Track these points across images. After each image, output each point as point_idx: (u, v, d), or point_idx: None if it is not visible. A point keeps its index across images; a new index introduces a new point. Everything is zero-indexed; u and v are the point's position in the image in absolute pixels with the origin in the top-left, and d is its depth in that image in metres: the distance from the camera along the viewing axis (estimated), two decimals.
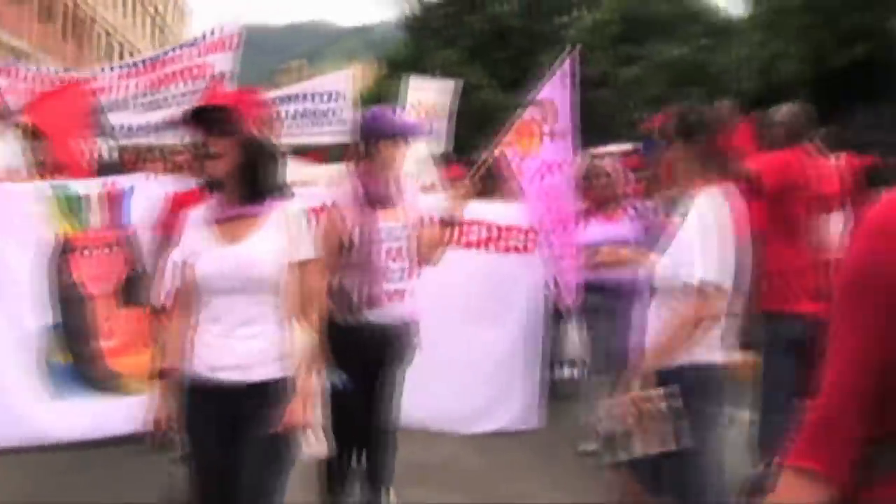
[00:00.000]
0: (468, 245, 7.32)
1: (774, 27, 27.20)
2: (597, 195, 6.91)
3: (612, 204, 6.91)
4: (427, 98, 14.07)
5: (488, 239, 7.34)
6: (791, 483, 1.68)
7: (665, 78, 33.62)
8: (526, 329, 7.39)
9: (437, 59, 29.88)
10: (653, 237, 6.88)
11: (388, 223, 4.83)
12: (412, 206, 5.07)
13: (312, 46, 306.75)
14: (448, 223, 5.04)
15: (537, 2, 33.48)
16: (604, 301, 6.81)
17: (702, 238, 3.71)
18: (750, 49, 28.44)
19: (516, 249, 7.19)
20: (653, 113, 13.02)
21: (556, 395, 7.70)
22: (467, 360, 7.11)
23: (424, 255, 5.07)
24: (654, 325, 3.89)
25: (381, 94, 33.92)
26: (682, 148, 3.92)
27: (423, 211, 5.17)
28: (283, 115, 11.34)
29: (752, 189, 5.15)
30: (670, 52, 34.63)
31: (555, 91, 6.45)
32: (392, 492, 5.26)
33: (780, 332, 5.26)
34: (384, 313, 4.80)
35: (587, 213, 6.82)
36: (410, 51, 34.14)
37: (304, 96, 11.32)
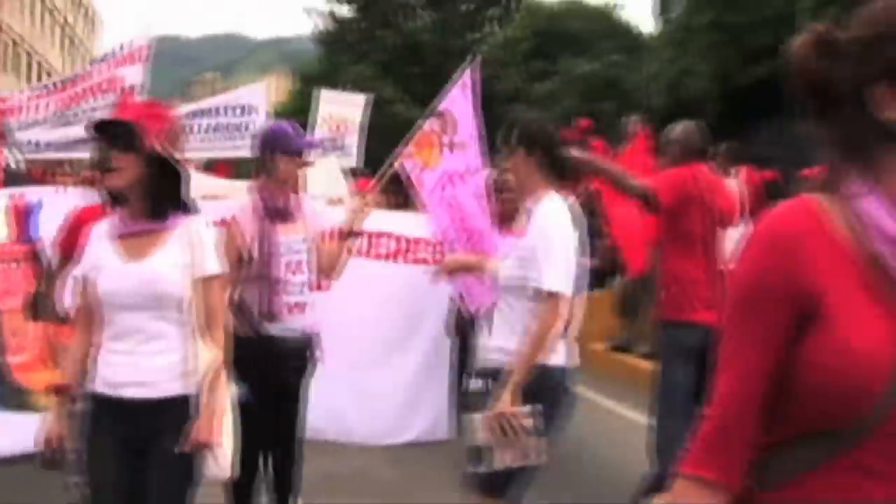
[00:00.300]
0: (377, 257, 7.38)
1: (683, 45, 27.74)
2: (502, 209, 7.01)
3: (518, 219, 7.02)
4: (338, 112, 14.08)
5: (397, 251, 7.40)
6: (686, 491, 1.71)
7: (577, 93, 34.23)
8: (436, 340, 7.47)
9: (351, 74, 29.96)
10: None
11: (288, 236, 4.88)
12: (313, 219, 5.12)
13: (227, 58, 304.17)
14: (347, 235, 5.08)
15: (450, 18, 33.66)
16: None
17: (546, 245, 3.91)
18: (659, 66, 28.95)
19: (425, 261, 7.26)
20: (564, 127, 13.21)
21: (467, 406, 7.79)
22: (378, 372, 7.16)
23: (325, 268, 5.12)
24: (498, 325, 4.10)
25: (295, 107, 33.80)
26: (524, 158, 4.12)
27: (324, 224, 5.23)
28: (196, 128, 11.26)
29: (650, 205, 5.33)
30: (583, 68, 35.20)
31: (455, 102, 6.51)
32: (301, 502, 5.30)
33: (677, 340, 5.43)
34: (285, 326, 4.85)
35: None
36: (324, 65, 34.17)
37: (218, 110, 11.25)
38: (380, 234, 7.30)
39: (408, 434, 7.35)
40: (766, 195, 10.27)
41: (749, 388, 1.65)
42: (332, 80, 28.58)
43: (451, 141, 6.35)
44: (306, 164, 5.25)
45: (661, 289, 5.53)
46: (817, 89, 1.70)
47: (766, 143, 25.99)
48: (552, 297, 3.88)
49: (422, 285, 7.22)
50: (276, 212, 4.87)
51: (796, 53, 1.73)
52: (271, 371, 4.78)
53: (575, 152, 5.80)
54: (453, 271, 5.23)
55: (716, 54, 26.09)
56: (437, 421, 7.47)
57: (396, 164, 6.24)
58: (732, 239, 8.13)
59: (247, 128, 10.66)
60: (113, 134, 3.62)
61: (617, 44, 38.51)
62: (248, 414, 4.48)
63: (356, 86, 23.03)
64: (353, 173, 11.31)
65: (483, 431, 3.96)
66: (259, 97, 11.43)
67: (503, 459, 3.95)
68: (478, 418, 4.00)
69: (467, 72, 6.59)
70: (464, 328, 8.20)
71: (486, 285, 6.62)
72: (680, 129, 5.93)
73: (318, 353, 5.15)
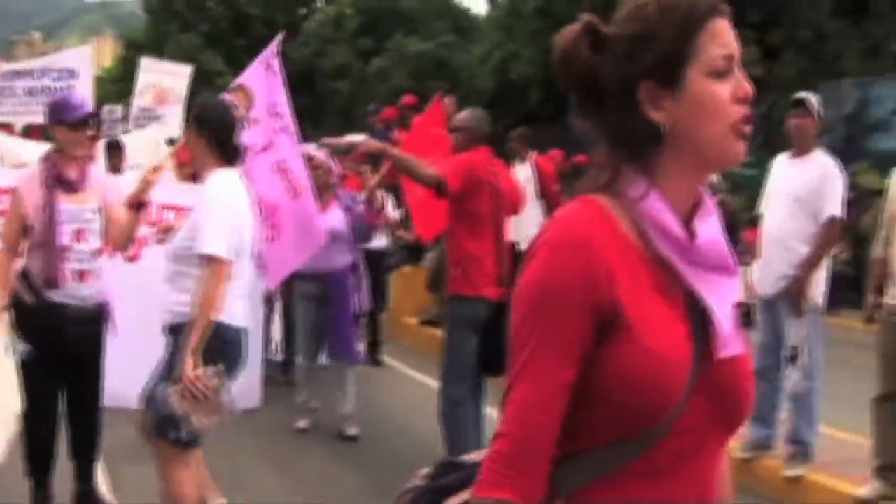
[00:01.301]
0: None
1: (510, 29, 28.36)
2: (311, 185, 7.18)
3: (326, 194, 7.22)
4: (161, 81, 13.97)
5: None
6: None
7: (407, 72, 34.55)
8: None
9: (178, 43, 29.37)
10: (360, 228, 7.30)
11: (73, 205, 4.88)
12: (105, 188, 5.13)
13: (53, 18, 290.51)
14: (135, 206, 4.99)
15: None
16: (316, 288, 7.19)
17: (206, 214, 4.25)
18: (487, 49, 29.51)
19: None
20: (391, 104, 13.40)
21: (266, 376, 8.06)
22: None
23: (116, 237, 5.11)
24: (167, 292, 4.40)
25: (121, 73, 32.86)
26: (195, 138, 4.46)
27: (119, 193, 5.19)
28: (15, 91, 11.00)
29: (440, 192, 5.67)
30: (416, 47, 35.52)
31: (252, 77, 6.61)
32: (101, 469, 5.41)
33: (465, 313, 5.81)
34: (68, 293, 4.85)
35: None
36: (151, 32, 33.39)
37: (39, 72, 11.02)
38: (165, 207, 7.34)
39: None
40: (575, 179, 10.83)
41: (548, 401, 1.56)
42: (160, 48, 28.04)
43: (247, 117, 6.42)
44: (91, 136, 5.30)
45: (451, 266, 5.89)
46: (585, 84, 1.64)
47: (587, 129, 26.96)
48: (212, 260, 4.18)
49: None
50: (61, 180, 4.88)
51: (563, 44, 1.66)
52: (56, 337, 4.83)
53: (371, 143, 6.14)
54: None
55: (541, 40, 26.78)
56: (248, 390, 7.65)
57: (186, 137, 6.34)
58: (528, 218, 8.68)
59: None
60: None
61: (450, 24, 38.91)
62: (35, 379, 4.62)
63: (182, 56, 22.65)
64: (172, 143, 11.24)
65: (176, 400, 4.17)
66: (83, 61, 11.22)
67: (202, 423, 4.22)
68: (169, 389, 4.20)
69: (271, 48, 6.72)
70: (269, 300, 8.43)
71: (287, 259, 6.77)
72: (464, 116, 6.21)
73: (108, 321, 5.18)
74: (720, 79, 1.59)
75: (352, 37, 34.69)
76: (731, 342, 1.63)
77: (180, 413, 4.17)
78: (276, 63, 6.69)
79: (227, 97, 6.38)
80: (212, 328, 4.18)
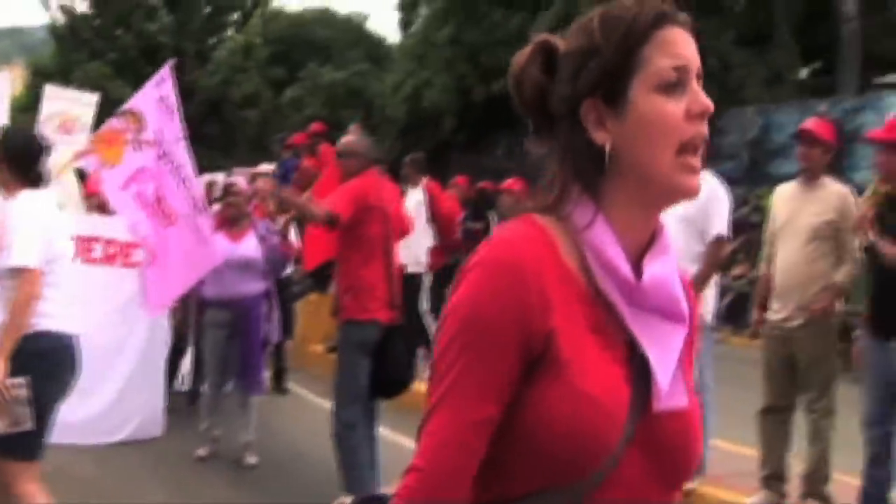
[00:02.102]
0: (92, 262, 7.41)
1: (423, 58, 28.53)
2: (225, 213, 7.21)
3: (242, 222, 7.23)
4: (67, 110, 13.76)
5: (114, 255, 7.45)
6: None
7: (321, 101, 34.55)
8: (151, 341, 7.57)
9: (86, 71, 29.00)
10: (274, 259, 7.32)
11: None
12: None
13: None
14: None
15: (188, 21, 33.16)
16: (226, 316, 7.17)
17: (11, 231, 4.40)
18: (400, 77, 29.65)
19: (140, 264, 7.36)
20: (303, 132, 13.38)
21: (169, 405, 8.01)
22: (91, 373, 7.19)
23: None
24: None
25: (30, 102, 32.26)
26: (1, 164, 4.59)
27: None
28: None
29: (332, 225, 5.73)
30: (331, 76, 35.49)
31: (143, 101, 6.63)
32: None
33: (356, 337, 5.87)
34: None
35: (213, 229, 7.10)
36: (59, 60, 32.93)
37: None
38: (91, 239, 7.33)
39: (121, 433, 7.45)
40: (481, 205, 10.98)
41: (464, 438, 1.41)
42: (68, 76, 27.61)
43: (138, 139, 6.43)
44: None
45: (343, 292, 5.94)
46: (536, 106, 1.55)
47: (501, 157, 27.27)
48: (19, 271, 4.36)
49: (133, 288, 7.32)
50: None
51: (517, 65, 1.58)
52: None
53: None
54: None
55: (453, 69, 27.05)
56: (150, 420, 7.62)
57: (72, 162, 6.31)
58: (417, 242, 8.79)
59: None
60: None
61: (364, 53, 39.04)
62: None
63: (90, 84, 22.37)
64: (80, 174, 11.12)
65: None
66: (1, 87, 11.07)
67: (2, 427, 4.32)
68: None
69: (162, 72, 6.74)
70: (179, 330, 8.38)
71: (170, 283, 6.73)
72: (355, 141, 6.26)
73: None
74: (669, 94, 1.45)
75: (262, 66, 34.55)
76: (674, 395, 1.49)
77: None
78: (167, 88, 6.70)
79: (115, 121, 6.37)
80: (29, 337, 4.33)
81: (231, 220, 7.22)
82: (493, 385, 1.41)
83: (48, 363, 4.46)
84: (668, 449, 1.49)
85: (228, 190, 7.39)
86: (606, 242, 1.46)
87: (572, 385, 1.40)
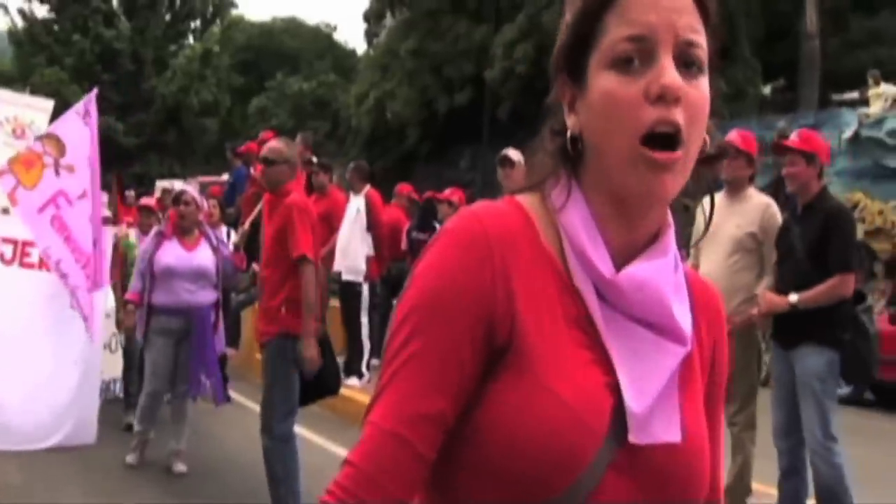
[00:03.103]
0: (28, 266, 7.36)
1: (387, 69, 28.65)
2: (178, 221, 7.17)
3: (194, 231, 7.19)
4: (20, 115, 13.68)
5: (13, 256, 7.41)
6: None
7: (287, 110, 34.57)
8: (83, 346, 7.51)
9: (43, 76, 28.88)
10: (227, 269, 7.28)
11: None
12: None
13: None
14: None
15: (147, 27, 33.17)
16: (178, 323, 7.11)
17: None
18: (364, 88, 29.74)
19: (37, 266, 7.35)
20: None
21: None
22: (21, 379, 7.14)
23: None
24: None
25: None
26: None
27: None
28: None
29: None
30: (299, 86, 35.52)
31: (66, 127, 6.65)
32: None
33: (290, 349, 5.79)
34: None
35: (162, 236, 7.10)
36: (17, 65, 32.78)
37: None
38: (26, 243, 7.30)
39: (52, 439, 7.38)
40: (428, 215, 10.98)
41: (405, 432, 1.21)
42: (27, 80, 27.49)
43: (58, 163, 6.45)
44: None
45: (274, 305, 5.82)
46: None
47: (465, 168, 27.36)
48: None
49: (52, 291, 7.26)
50: None
51: None
52: None
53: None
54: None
55: (417, 81, 27.14)
56: (82, 427, 7.54)
57: None
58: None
59: None
60: None
61: (332, 64, 39.16)
62: None
63: (47, 89, 22.29)
64: None
65: None
66: None
67: None
68: None
69: (87, 99, 6.76)
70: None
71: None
72: (279, 146, 6.05)
73: None
74: (623, 71, 1.20)
75: (222, 74, 34.57)
76: (662, 425, 1.24)
77: None
78: (92, 116, 6.73)
79: (35, 144, 6.37)
80: None
81: (183, 229, 7.17)
82: (446, 375, 1.21)
83: None
84: (660, 485, 1.24)
85: (179, 198, 7.34)
86: (579, 225, 1.26)
87: (539, 382, 1.19)
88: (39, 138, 6.88)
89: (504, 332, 1.21)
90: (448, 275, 1.23)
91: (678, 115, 1.19)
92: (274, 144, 6.13)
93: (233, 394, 9.98)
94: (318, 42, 40.73)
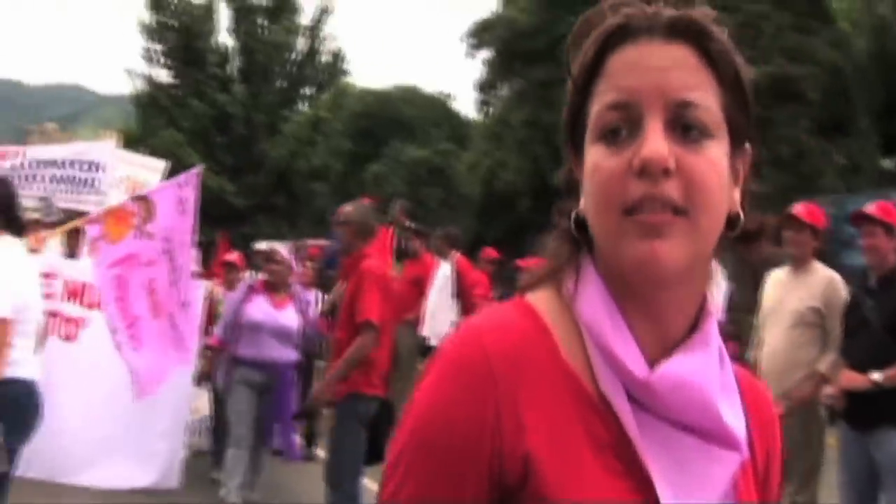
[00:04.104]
0: (91, 306, 7.68)
1: (500, 139, 28.87)
2: (267, 279, 7.40)
3: (282, 291, 7.42)
4: (135, 175, 14.29)
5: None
6: None
7: (403, 177, 35.09)
8: (176, 393, 7.75)
9: (162, 138, 30.09)
10: (311, 334, 7.49)
11: None
12: None
13: (69, 110, 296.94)
14: None
15: (261, 93, 34.24)
16: (260, 376, 7.31)
17: None
18: (477, 157, 30.02)
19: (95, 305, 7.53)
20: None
21: None
22: (113, 421, 7.42)
23: None
24: None
25: None
26: None
27: None
28: (43, 177, 11.23)
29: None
30: (411, 153, 36.07)
31: (162, 194, 6.89)
32: None
33: (361, 411, 5.96)
34: None
35: (252, 290, 7.33)
36: (140, 126, 34.44)
37: (69, 162, 11.19)
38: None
39: (139, 480, 7.63)
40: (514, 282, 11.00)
41: None
42: (149, 142, 28.69)
43: (143, 228, 6.66)
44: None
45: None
46: None
47: None
48: None
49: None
50: None
51: None
52: None
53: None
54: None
55: (529, 151, 27.27)
56: (168, 471, 7.79)
57: (79, 223, 6.54)
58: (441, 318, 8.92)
59: (92, 183, 10.84)
60: None
61: (448, 132, 39.59)
62: None
63: (164, 150, 23.25)
64: None
65: None
66: (106, 154, 11.53)
67: None
68: None
69: (188, 174, 7.00)
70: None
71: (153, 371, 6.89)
72: (352, 210, 6.28)
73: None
74: (611, 142, 1.07)
75: (333, 139, 35.36)
76: None
77: None
78: (188, 191, 6.94)
79: (130, 202, 6.64)
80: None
81: (272, 287, 7.39)
82: None
83: (17, 408, 4.64)
84: None
85: (270, 257, 7.61)
86: (600, 315, 1.10)
87: None
88: (136, 198, 7.15)
89: (515, 470, 1.05)
90: (441, 410, 1.07)
91: (669, 189, 1.03)
92: (344, 207, 6.35)
93: (319, 452, 10.18)
94: (435, 110, 41.24)
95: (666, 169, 1.03)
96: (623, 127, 1.06)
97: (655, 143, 1.03)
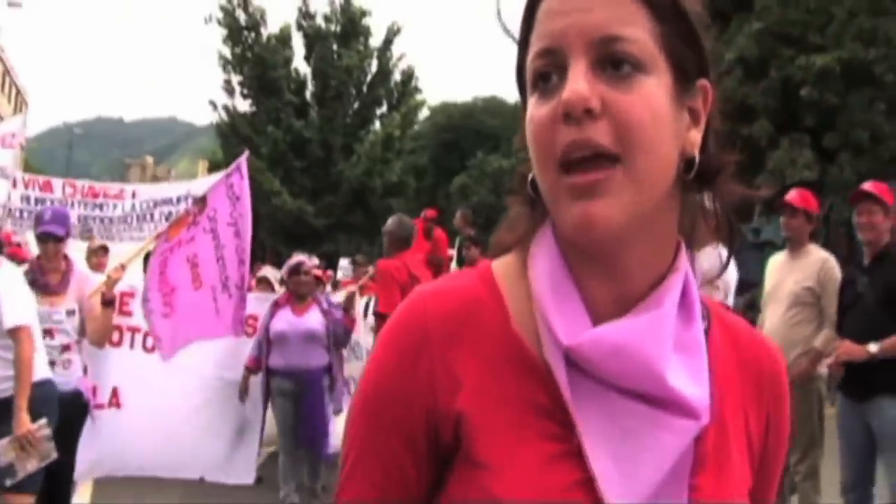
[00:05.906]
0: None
1: None
2: (294, 290, 7.78)
3: (305, 298, 7.76)
4: None
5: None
6: None
7: (489, 188, 35.37)
8: (253, 394, 8.01)
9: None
10: (337, 332, 7.79)
11: (48, 307, 5.59)
12: (82, 291, 5.81)
13: (166, 142, 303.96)
14: (105, 303, 5.82)
15: (335, 116, 34.77)
16: (291, 385, 7.58)
17: (8, 292, 4.99)
18: None
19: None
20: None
21: None
22: (193, 419, 7.67)
23: (91, 332, 5.87)
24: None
25: None
26: None
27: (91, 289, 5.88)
28: (154, 216, 11.65)
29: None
30: (495, 164, 36.25)
31: (214, 188, 7.05)
32: None
33: None
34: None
35: (277, 305, 7.70)
36: (223, 155, 35.42)
37: (183, 198, 11.42)
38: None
39: (223, 476, 7.82)
40: None
41: None
42: None
43: (197, 220, 6.89)
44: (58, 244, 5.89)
45: None
46: None
47: None
48: (20, 329, 4.97)
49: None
50: (41, 284, 5.65)
51: None
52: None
53: None
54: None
55: None
56: (247, 467, 7.98)
57: (150, 243, 6.99)
58: None
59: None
60: None
61: None
62: None
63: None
64: None
65: (7, 453, 4.93)
66: None
67: (26, 468, 4.97)
68: (2, 444, 4.93)
69: (238, 161, 7.20)
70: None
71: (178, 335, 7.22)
72: (391, 221, 6.88)
73: (84, 403, 5.93)
74: (542, 91, 1.04)
75: (406, 156, 35.71)
76: None
77: (8, 462, 4.92)
78: (237, 178, 7.15)
79: (189, 208, 7.02)
80: (34, 385, 4.96)
81: (296, 297, 7.72)
82: (389, 484, 1.09)
83: (48, 405, 5.14)
84: None
85: (298, 269, 7.93)
86: (542, 279, 1.08)
87: (487, 491, 1.02)
88: (196, 200, 7.24)
89: (448, 431, 1.05)
90: (380, 374, 1.10)
91: (595, 132, 0.99)
92: (389, 221, 7.02)
93: None
94: (518, 120, 40.79)
95: (588, 109, 0.98)
96: (553, 73, 1.03)
97: (575, 83, 0.99)
